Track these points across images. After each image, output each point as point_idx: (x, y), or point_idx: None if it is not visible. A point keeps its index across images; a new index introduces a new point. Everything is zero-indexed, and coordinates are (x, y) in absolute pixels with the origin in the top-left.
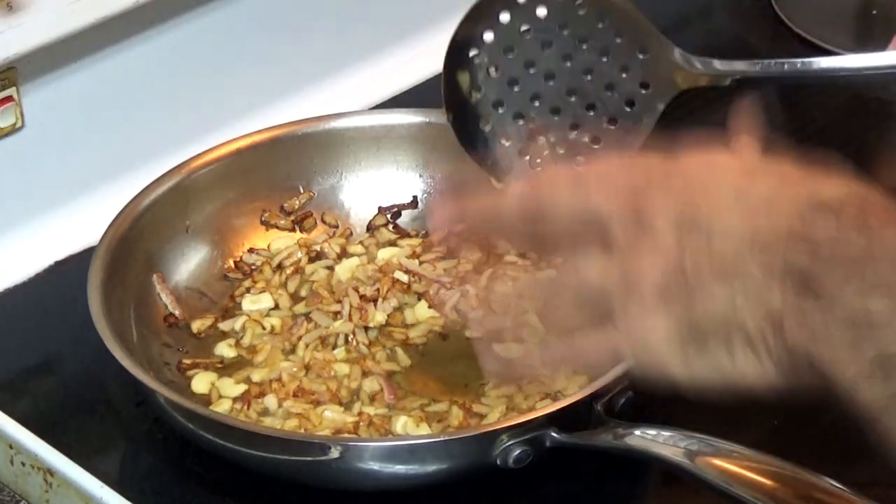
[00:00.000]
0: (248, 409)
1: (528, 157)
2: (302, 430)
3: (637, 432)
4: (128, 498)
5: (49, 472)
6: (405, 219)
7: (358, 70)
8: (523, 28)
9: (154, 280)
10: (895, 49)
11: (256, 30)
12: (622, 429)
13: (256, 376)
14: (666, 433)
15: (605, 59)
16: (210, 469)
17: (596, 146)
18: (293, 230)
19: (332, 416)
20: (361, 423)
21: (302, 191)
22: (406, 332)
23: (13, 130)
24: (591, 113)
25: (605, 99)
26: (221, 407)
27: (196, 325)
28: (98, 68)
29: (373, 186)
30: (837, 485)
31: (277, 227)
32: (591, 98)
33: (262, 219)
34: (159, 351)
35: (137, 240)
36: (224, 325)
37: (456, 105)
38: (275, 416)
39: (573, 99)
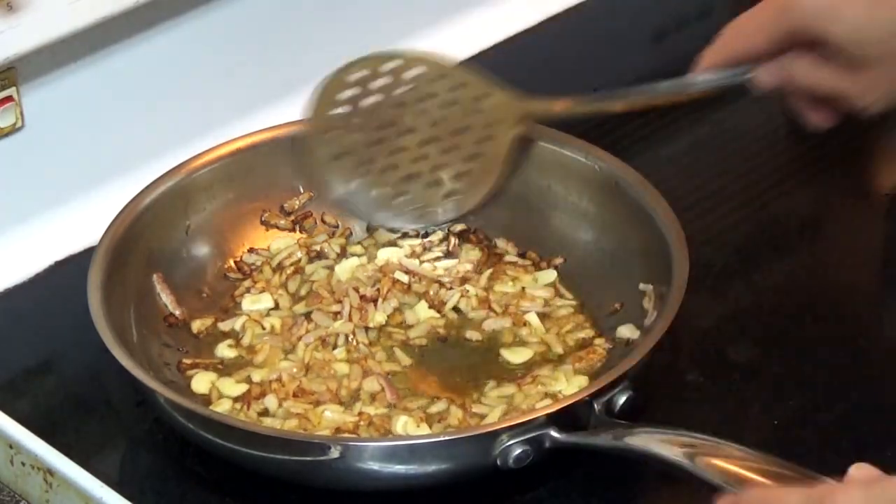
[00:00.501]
0: (249, 409)
1: (403, 198)
2: (302, 430)
3: (637, 432)
4: (128, 498)
5: (49, 472)
6: None
7: None
8: (372, 93)
9: (154, 280)
10: (706, 67)
11: (256, 30)
12: (622, 429)
13: (256, 376)
14: (666, 433)
15: (453, 108)
16: (210, 469)
17: (459, 183)
18: (293, 230)
19: (332, 416)
20: (361, 423)
21: (302, 191)
22: (406, 332)
23: (13, 130)
24: (449, 155)
25: (459, 143)
26: (221, 407)
27: (196, 325)
28: (98, 68)
29: None
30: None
31: (277, 227)
32: (448, 143)
33: (262, 219)
34: (159, 351)
35: (137, 240)
36: (224, 326)
37: (322, 172)
38: (275, 417)
39: (428, 149)
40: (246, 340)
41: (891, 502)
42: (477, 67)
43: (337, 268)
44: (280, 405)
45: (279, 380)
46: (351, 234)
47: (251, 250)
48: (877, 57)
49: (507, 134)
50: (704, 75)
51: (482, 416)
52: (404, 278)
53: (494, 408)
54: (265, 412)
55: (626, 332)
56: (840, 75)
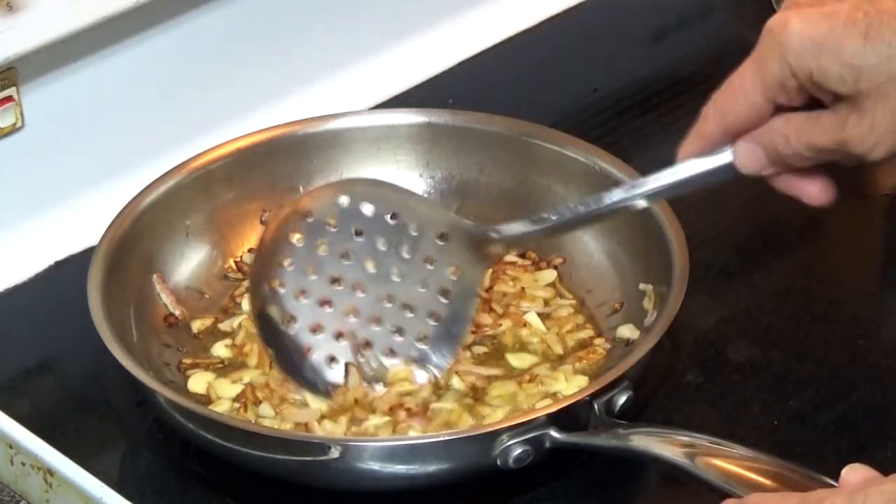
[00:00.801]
0: (246, 410)
1: (361, 366)
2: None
3: (637, 432)
4: (128, 498)
5: (49, 472)
6: None
7: (358, 70)
8: (320, 247)
9: (154, 280)
10: (685, 158)
11: (256, 30)
12: (622, 429)
13: (246, 377)
14: (666, 433)
15: (407, 257)
16: (210, 469)
17: (422, 344)
18: None
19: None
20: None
21: (302, 191)
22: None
23: (13, 130)
24: (411, 314)
25: (420, 296)
26: (221, 407)
27: (196, 325)
28: (98, 68)
29: None
30: (837, 485)
31: None
32: (407, 298)
33: (262, 219)
34: (159, 351)
35: (137, 240)
36: (224, 326)
37: (274, 340)
38: (274, 418)
39: (389, 305)
40: (239, 340)
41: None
42: (477, 67)
43: None
44: (276, 412)
45: (267, 385)
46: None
47: (251, 250)
48: (876, 86)
49: (474, 278)
50: (681, 170)
51: (482, 416)
52: None
53: (497, 409)
54: (265, 413)
55: (627, 331)
56: (838, 122)
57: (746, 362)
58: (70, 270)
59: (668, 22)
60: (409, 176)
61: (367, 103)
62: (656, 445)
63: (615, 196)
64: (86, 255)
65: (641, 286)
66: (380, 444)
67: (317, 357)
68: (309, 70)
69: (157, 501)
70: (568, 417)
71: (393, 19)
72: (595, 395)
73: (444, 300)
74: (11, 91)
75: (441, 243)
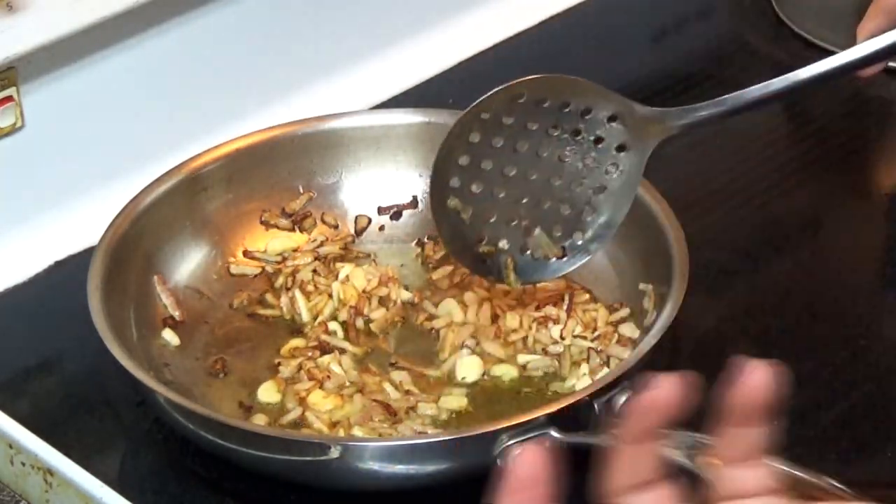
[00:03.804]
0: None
1: (529, 252)
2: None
3: None
4: (128, 498)
5: (49, 472)
6: (405, 219)
7: (358, 70)
8: (495, 141)
9: (154, 281)
10: (867, 36)
11: (256, 30)
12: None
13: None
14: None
15: (578, 138)
16: (210, 469)
17: (590, 217)
18: (293, 230)
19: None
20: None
21: (302, 191)
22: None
23: (13, 130)
24: (578, 189)
25: (587, 173)
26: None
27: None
28: (98, 68)
29: (373, 186)
30: (837, 485)
31: (277, 227)
32: (574, 177)
33: (262, 219)
34: (159, 351)
35: (137, 240)
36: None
37: (450, 229)
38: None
39: (557, 183)
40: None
41: None
42: (477, 67)
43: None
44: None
45: None
46: (354, 240)
47: (246, 252)
48: None
49: (639, 157)
50: (867, 45)
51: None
52: (405, 296)
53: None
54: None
55: (627, 331)
56: None
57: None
58: (70, 270)
59: (668, 22)
60: (409, 176)
61: (367, 103)
62: None
63: (801, 74)
64: (86, 255)
65: (641, 286)
66: (380, 444)
67: (487, 245)
68: (309, 70)
69: (157, 501)
70: (568, 417)
71: (393, 19)
72: (595, 395)
73: (611, 174)
74: (11, 91)
75: (611, 125)
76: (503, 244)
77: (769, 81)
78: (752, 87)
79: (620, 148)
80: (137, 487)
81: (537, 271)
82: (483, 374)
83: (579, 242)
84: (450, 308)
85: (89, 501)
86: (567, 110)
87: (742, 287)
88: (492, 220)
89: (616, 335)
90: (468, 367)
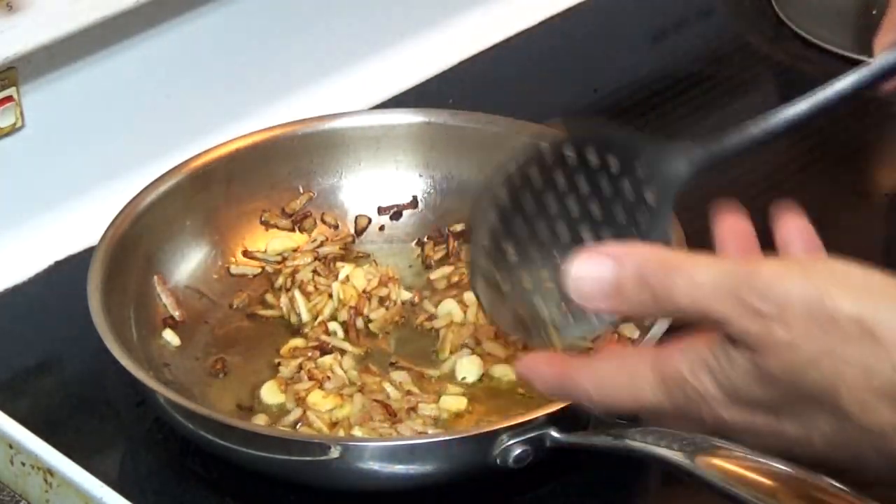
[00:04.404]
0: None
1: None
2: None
3: (637, 432)
4: (128, 498)
5: (49, 472)
6: (405, 219)
7: (358, 70)
8: (525, 202)
9: (154, 281)
10: (884, 49)
11: (256, 30)
12: (622, 429)
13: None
14: (666, 433)
15: (602, 190)
16: (210, 469)
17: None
18: (293, 230)
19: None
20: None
21: (302, 191)
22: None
23: (13, 130)
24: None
25: (614, 222)
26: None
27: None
28: (98, 68)
29: (373, 186)
30: (837, 485)
31: (277, 227)
32: (603, 227)
33: (262, 219)
34: (159, 351)
35: (137, 240)
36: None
37: (489, 298)
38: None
39: (587, 235)
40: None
41: (848, 286)
42: (477, 67)
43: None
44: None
45: None
46: (354, 240)
47: (245, 252)
48: None
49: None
50: (884, 59)
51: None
52: (405, 296)
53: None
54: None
55: (627, 331)
56: None
57: None
58: (70, 270)
59: (668, 22)
60: (409, 176)
61: (367, 103)
62: (656, 445)
63: (827, 92)
64: (86, 255)
65: None
66: (380, 444)
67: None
68: (309, 70)
69: (157, 501)
70: (568, 417)
71: (393, 19)
72: None
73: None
74: (11, 91)
75: (639, 172)
76: (540, 304)
77: (792, 102)
78: (777, 111)
79: (644, 191)
80: (137, 487)
81: (580, 326)
82: (483, 375)
83: None
84: (450, 308)
85: (89, 501)
86: (592, 166)
87: None
88: (527, 285)
89: (616, 335)
90: (468, 367)
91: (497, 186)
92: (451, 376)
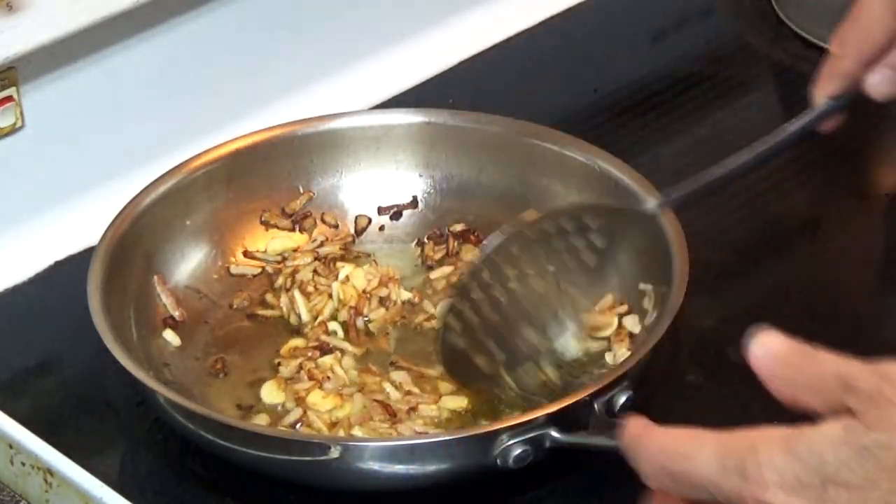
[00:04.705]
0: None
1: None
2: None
3: None
4: (128, 498)
5: (49, 472)
6: (405, 219)
7: (358, 70)
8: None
9: (155, 282)
10: (823, 97)
11: (256, 30)
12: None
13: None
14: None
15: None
16: (210, 469)
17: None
18: (293, 230)
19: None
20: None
21: (302, 191)
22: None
23: (13, 130)
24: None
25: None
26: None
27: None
28: (98, 68)
29: (373, 186)
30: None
31: (277, 227)
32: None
33: (262, 219)
34: (159, 351)
35: (137, 240)
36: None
37: (454, 362)
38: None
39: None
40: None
41: (820, 465)
42: (477, 67)
43: (334, 285)
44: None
45: None
46: (354, 240)
47: (246, 253)
48: None
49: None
50: (822, 107)
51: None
52: (406, 296)
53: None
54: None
55: (629, 323)
56: None
57: (747, 362)
58: (70, 270)
59: (668, 22)
60: (409, 176)
61: (367, 103)
62: None
63: (766, 145)
64: (86, 255)
65: (641, 286)
66: (380, 444)
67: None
68: (309, 70)
69: (157, 501)
70: (568, 417)
71: (393, 19)
72: (595, 395)
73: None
74: (11, 91)
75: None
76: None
77: (752, 146)
78: (733, 157)
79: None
80: (137, 487)
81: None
82: None
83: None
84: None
85: (89, 501)
86: (566, 234)
87: (742, 287)
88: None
89: (620, 331)
90: None
91: (466, 281)
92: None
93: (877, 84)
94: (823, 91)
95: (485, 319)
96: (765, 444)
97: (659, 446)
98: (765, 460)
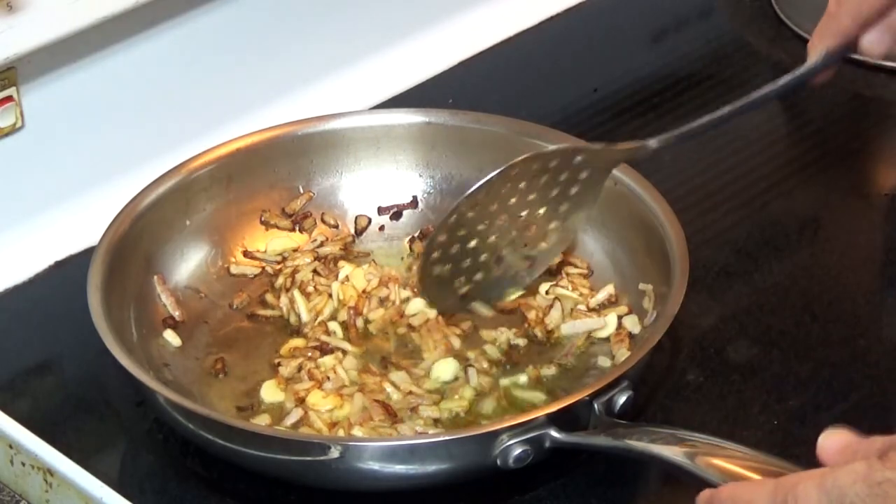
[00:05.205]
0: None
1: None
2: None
3: (637, 432)
4: (128, 498)
5: (49, 472)
6: (405, 219)
7: (358, 70)
8: (469, 213)
9: (155, 281)
10: (819, 51)
11: (257, 30)
12: (622, 429)
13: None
14: (666, 433)
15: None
16: (210, 469)
17: (553, 224)
18: (293, 230)
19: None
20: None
21: (302, 191)
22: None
23: (13, 130)
24: (541, 211)
25: (550, 199)
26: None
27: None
28: (98, 68)
29: (373, 186)
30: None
31: (277, 227)
32: (539, 204)
33: (262, 219)
34: (159, 351)
35: (137, 240)
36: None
37: (435, 291)
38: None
39: (524, 213)
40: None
41: (840, 497)
42: (477, 67)
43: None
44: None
45: None
46: (354, 240)
47: (246, 252)
48: None
49: (597, 182)
50: (816, 61)
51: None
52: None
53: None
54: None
55: (629, 323)
56: None
57: (746, 362)
58: (70, 270)
59: (668, 22)
60: (409, 176)
61: (367, 103)
62: (656, 445)
63: (759, 93)
64: (86, 255)
65: (641, 286)
66: (380, 444)
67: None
68: (309, 70)
69: (157, 501)
70: (568, 417)
71: (393, 19)
72: (595, 395)
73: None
74: (11, 91)
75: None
76: (478, 277)
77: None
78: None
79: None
80: (137, 487)
81: (511, 285)
82: (457, 376)
83: (543, 246)
84: (420, 306)
85: (89, 501)
86: (542, 178)
87: (742, 287)
88: (465, 264)
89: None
90: (444, 368)
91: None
92: (431, 377)
93: (872, 43)
94: (818, 46)
95: (463, 248)
96: (805, 480)
97: (728, 494)
98: (801, 494)
